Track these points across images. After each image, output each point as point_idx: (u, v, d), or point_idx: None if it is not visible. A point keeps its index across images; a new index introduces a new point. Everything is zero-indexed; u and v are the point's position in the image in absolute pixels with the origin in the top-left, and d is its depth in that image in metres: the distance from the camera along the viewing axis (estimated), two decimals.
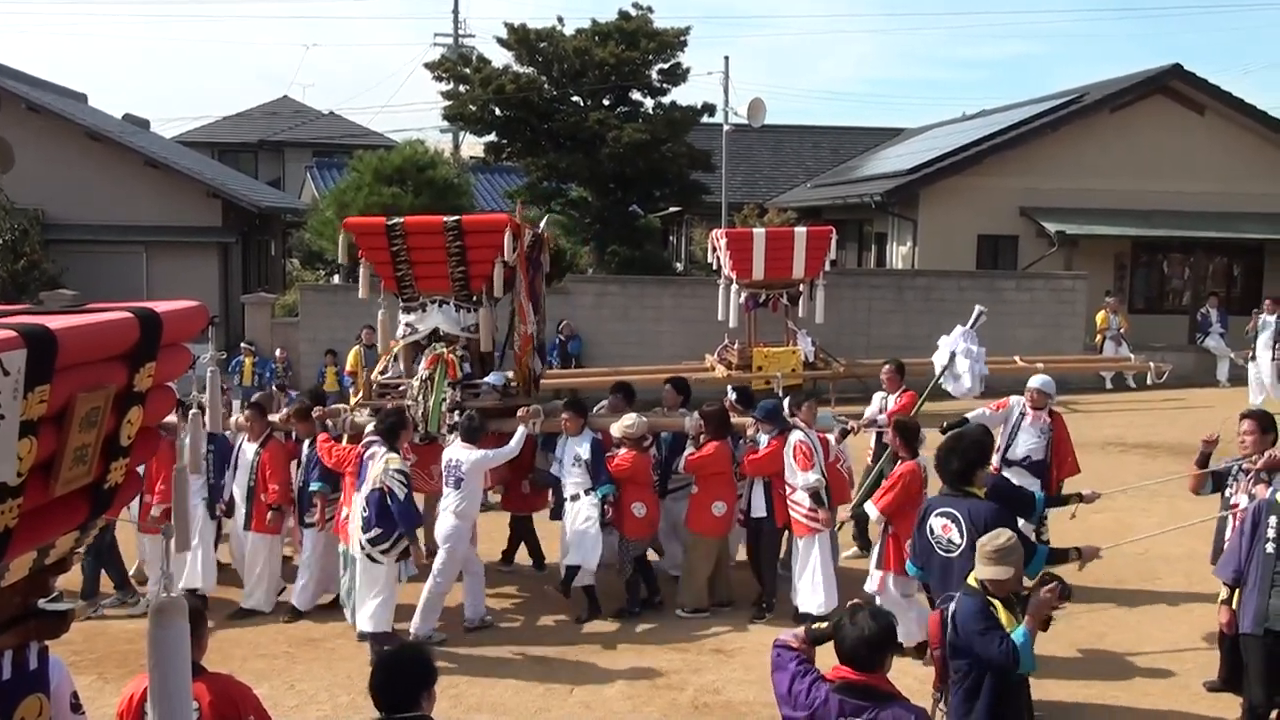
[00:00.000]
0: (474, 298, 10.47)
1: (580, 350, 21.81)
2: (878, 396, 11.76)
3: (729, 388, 11.80)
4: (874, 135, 37.56)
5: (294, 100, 49.52)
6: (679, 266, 33.22)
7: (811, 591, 9.46)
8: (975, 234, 26.06)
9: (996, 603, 5.58)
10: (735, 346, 18.04)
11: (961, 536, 6.70)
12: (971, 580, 5.75)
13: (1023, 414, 10.16)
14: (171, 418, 4.70)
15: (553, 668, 8.99)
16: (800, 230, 18.55)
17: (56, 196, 25.52)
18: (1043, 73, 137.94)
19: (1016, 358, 19.26)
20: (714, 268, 19.44)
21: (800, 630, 4.76)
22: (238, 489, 10.15)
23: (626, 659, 9.13)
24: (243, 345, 21.44)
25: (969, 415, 10.13)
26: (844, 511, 9.90)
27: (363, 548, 8.86)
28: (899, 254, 27.40)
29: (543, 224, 12.36)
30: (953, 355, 11.11)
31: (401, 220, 10.66)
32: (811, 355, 17.88)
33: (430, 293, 10.55)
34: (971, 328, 11.21)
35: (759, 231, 18.67)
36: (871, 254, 29.82)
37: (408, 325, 10.67)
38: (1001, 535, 5.68)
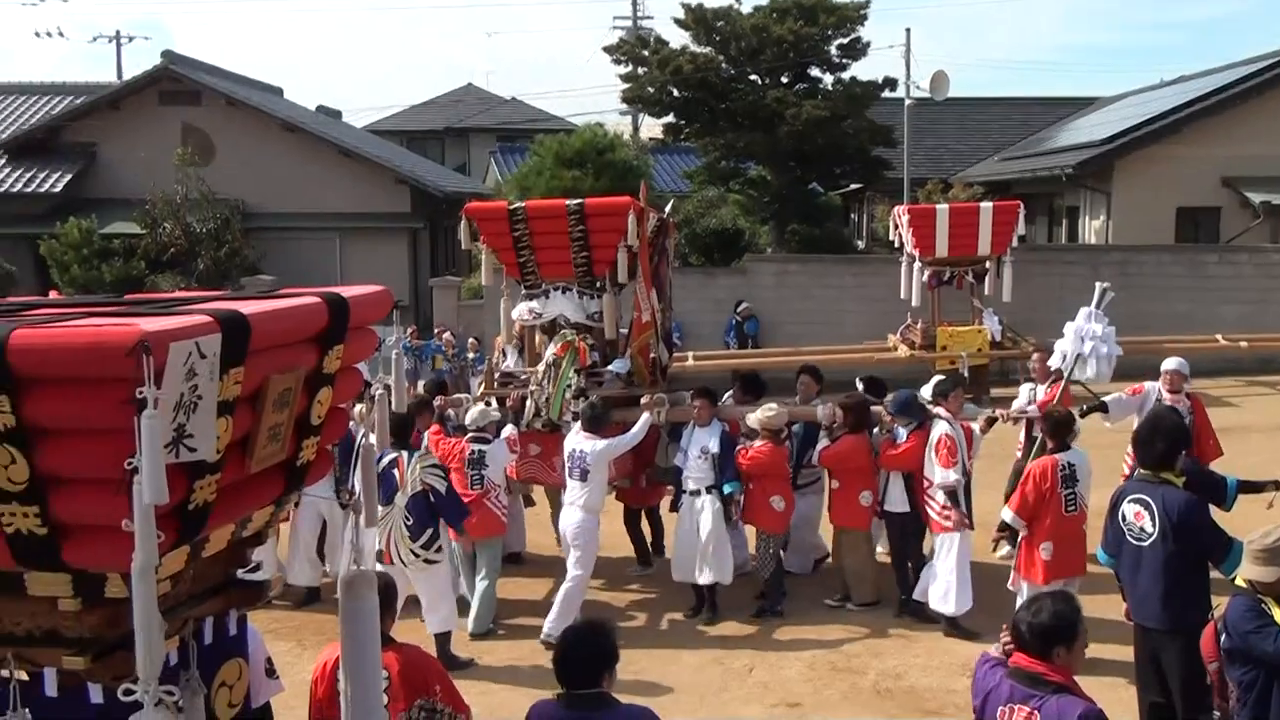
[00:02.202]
0: (597, 283, 10.26)
1: (758, 331, 21.69)
2: (1025, 387, 11.12)
3: (857, 378, 11.07)
4: (1065, 105, 36.17)
5: (478, 87, 50.58)
6: (860, 244, 32.73)
7: (944, 592, 8.95)
8: (1174, 206, 24.87)
9: (1269, 600, 5.31)
10: (919, 325, 17.70)
11: (1153, 525, 6.40)
12: (1240, 580, 5.50)
13: (1159, 398, 9.61)
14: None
15: (731, 647, 8.99)
16: (986, 205, 18.08)
17: (255, 186, 26.68)
18: (1246, 34, 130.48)
19: (1218, 336, 18.38)
20: (896, 245, 19.11)
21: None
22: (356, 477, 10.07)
23: (806, 641, 9.06)
24: (436, 329, 22.08)
25: (1105, 399, 9.69)
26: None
27: (416, 555, 8.50)
28: (1091, 228, 26.38)
29: (667, 208, 12.01)
30: (1081, 339, 10.34)
31: (523, 205, 10.55)
32: (998, 334, 17.41)
33: (553, 279, 10.36)
34: (1098, 308, 10.45)
35: (943, 207, 18.27)
36: (1063, 229, 28.80)
37: (530, 312, 10.45)
38: (1272, 534, 5.36)
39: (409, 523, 8.52)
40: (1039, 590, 7.75)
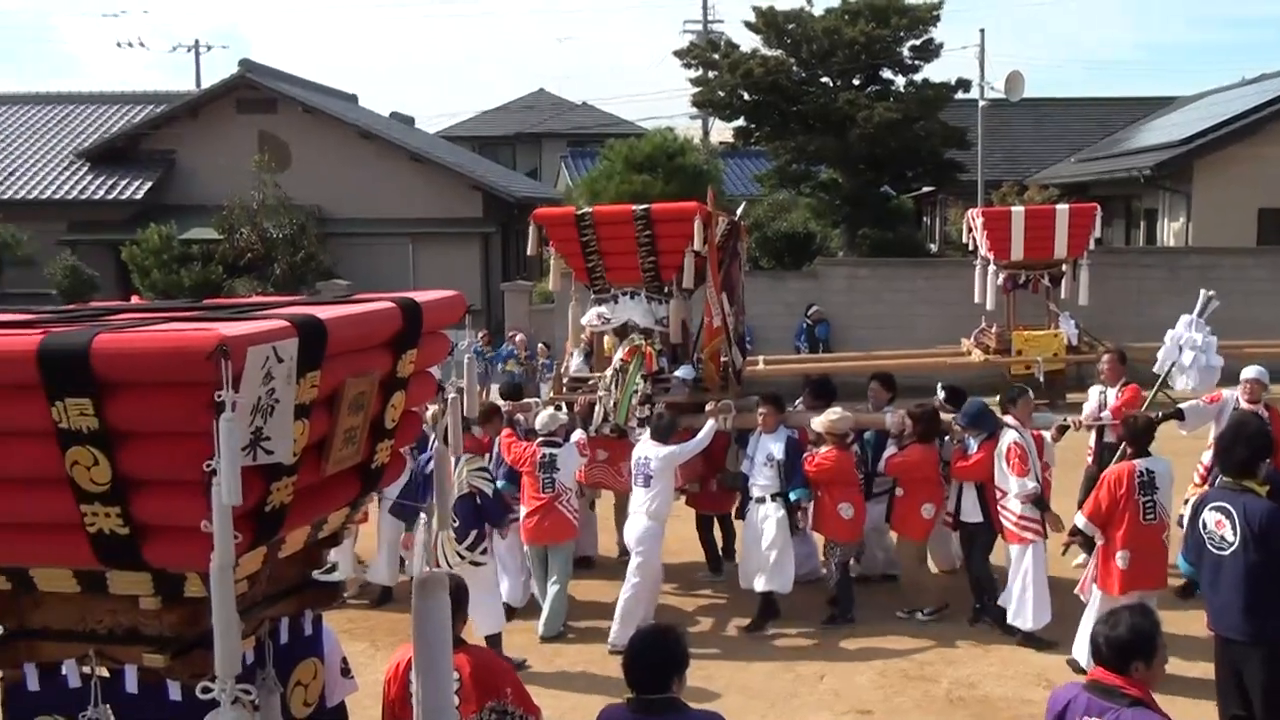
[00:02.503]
0: (665, 288, 10.26)
1: (828, 335, 21.56)
2: (1095, 390, 10.76)
3: (939, 385, 10.87)
4: (1143, 105, 35.54)
5: (550, 93, 50.88)
6: (933, 248, 32.41)
7: (1020, 605, 8.73)
8: (1256, 208, 24.32)
9: None
10: (993, 330, 17.47)
11: (1234, 534, 6.26)
12: None
13: (1237, 407, 9.29)
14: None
15: (804, 653, 8.93)
16: (1062, 207, 17.82)
17: (330, 192, 27.07)
18: None
19: None
20: (970, 248, 18.90)
21: None
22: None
23: (879, 648, 8.98)
24: (508, 333, 22.23)
25: (1182, 406, 9.45)
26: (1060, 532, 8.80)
27: (461, 557, 8.41)
28: (1170, 230, 25.88)
29: (739, 211, 11.95)
30: (1180, 348, 9.99)
31: (590, 210, 10.61)
32: (1075, 338, 17.12)
33: (621, 284, 10.39)
34: (1199, 316, 10.14)
35: (1018, 210, 18.04)
36: (1140, 231, 28.29)
37: (599, 317, 10.49)
38: None
39: (455, 524, 8.40)
40: (1114, 601, 7.59)
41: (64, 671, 3.06)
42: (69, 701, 3.05)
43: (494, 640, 8.54)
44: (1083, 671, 7.65)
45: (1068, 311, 17.40)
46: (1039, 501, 8.70)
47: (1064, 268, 17.24)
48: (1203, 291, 10.35)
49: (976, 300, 17.57)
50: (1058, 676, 8.16)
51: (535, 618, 9.41)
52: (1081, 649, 7.83)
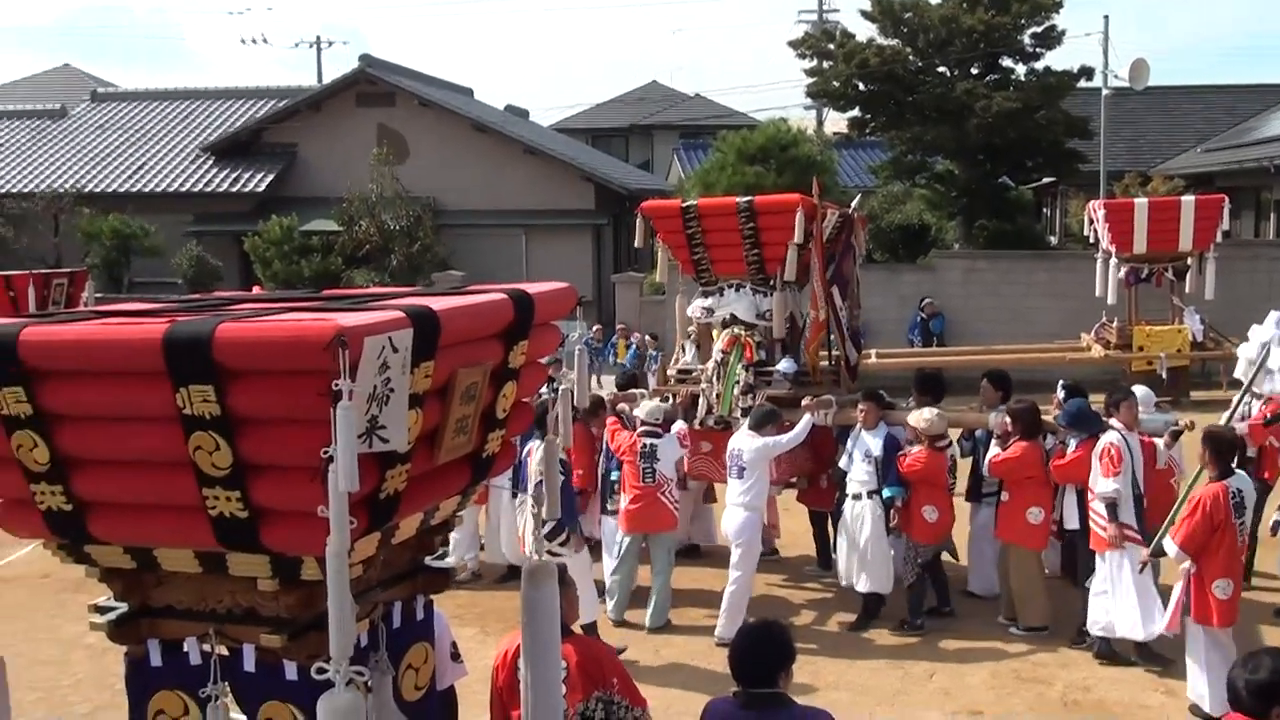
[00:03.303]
0: (770, 281, 10.22)
1: (943, 329, 21.23)
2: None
3: (1059, 384, 10.41)
4: (1273, 92, 34.23)
5: (662, 84, 50.87)
6: (1053, 240, 31.69)
7: (1133, 618, 8.17)
8: None
9: None
10: (1114, 324, 17.07)
11: None
12: None
13: None
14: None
15: (912, 652, 8.81)
16: (1188, 199, 17.32)
17: (446, 184, 27.44)
18: None
19: None
20: (1091, 241, 18.47)
21: None
22: (539, 469, 9.93)
23: (991, 649, 8.82)
24: (618, 326, 22.36)
25: None
26: (1142, 551, 8.05)
27: (542, 546, 8.35)
28: None
29: (853, 204, 11.76)
30: (1265, 348, 9.27)
31: (695, 203, 10.63)
32: (1200, 334, 16.65)
33: (727, 276, 10.42)
34: None
35: (1141, 201, 17.57)
36: (1270, 223, 27.29)
37: (705, 309, 10.54)
38: None
39: (535, 512, 8.50)
40: (1217, 635, 7.32)
41: (185, 649, 3.16)
42: (189, 678, 3.15)
43: (589, 629, 8.57)
44: (1206, 717, 7.36)
45: (1192, 306, 16.91)
46: (1112, 508, 8.19)
47: (1189, 261, 16.76)
48: None
49: (1097, 294, 17.17)
50: (1176, 683, 7.93)
51: (636, 607, 9.47)
52: (1200, 690, 7.44)
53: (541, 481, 8.08)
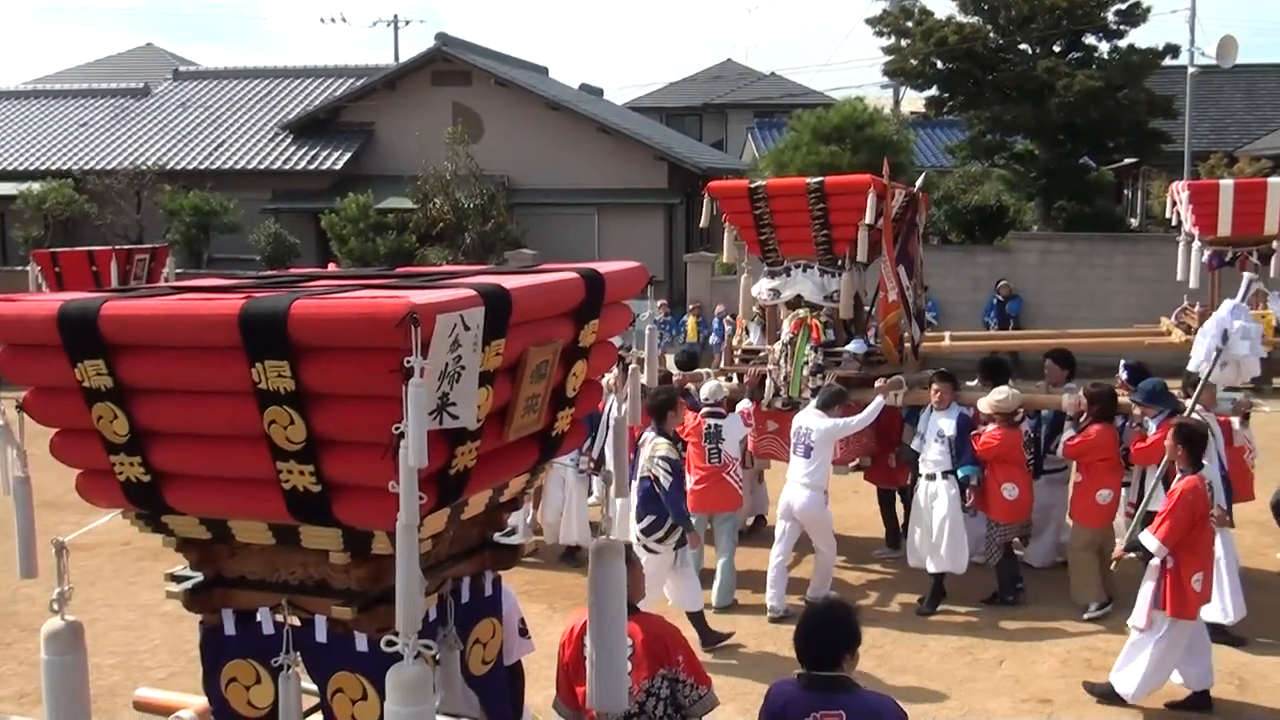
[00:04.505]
0: (838, 261, 10.17)
1: (1020, 311, 20.95)
2: None
3: (1121, 363, 10.35)
4: None
5: (737, 63, 50.58)
6: (1133, 222, 31.08)
7: (1214, 600, 7.96)
8: None
9: None
10: (1196, 309, 16.64)
11: None
12: None
13: None
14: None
15: (981, 637, 8.74)
16: (1275, 181, 16.83)
17: (520, 163, 27.54)
18: None
19: None
20: (1173, 223, 18.06)
21: None
22: (607, 448, 9.99)
23: (1062, 635, 8.72)
24: (690, 305, 22.35)
25: None
26: (1119, 547, 7.88)
27: (638, 539, 8.30)
28: None
29: (918, 183, 11.66)
30: (1225, 335, 8.74)
31: (764, 183, 10.57)
32: None
33: (794, 256, 10.37)
34: (1243, 300, 9.18)
35: (1226, 183, 17.10)
36: None
37: (771, 290, 10.49)
38: None
39: (636, 503, 8.47)
40: (1191, 628, 7.23)
41: (259, 619, 3.22)
42: (263, 647, 3.21)
43: (696, 618, 8.58)
44: (1116, 700, 7.27)
45: (1277, 291, 16.50)
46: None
47: (1275, 245, 16.34)
48: (1245, 274, 9.47)
49: (1179, 278, 16.76)
50: (1249, 673, 7.80)
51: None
52: (1128, 682, 7.33)
53: (647, 479, 8.33)
